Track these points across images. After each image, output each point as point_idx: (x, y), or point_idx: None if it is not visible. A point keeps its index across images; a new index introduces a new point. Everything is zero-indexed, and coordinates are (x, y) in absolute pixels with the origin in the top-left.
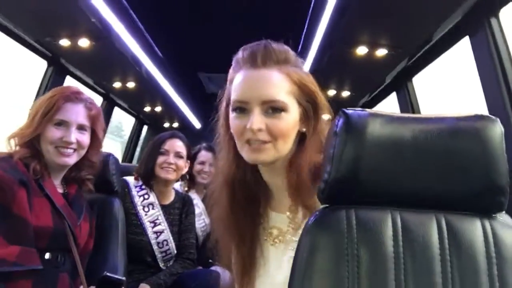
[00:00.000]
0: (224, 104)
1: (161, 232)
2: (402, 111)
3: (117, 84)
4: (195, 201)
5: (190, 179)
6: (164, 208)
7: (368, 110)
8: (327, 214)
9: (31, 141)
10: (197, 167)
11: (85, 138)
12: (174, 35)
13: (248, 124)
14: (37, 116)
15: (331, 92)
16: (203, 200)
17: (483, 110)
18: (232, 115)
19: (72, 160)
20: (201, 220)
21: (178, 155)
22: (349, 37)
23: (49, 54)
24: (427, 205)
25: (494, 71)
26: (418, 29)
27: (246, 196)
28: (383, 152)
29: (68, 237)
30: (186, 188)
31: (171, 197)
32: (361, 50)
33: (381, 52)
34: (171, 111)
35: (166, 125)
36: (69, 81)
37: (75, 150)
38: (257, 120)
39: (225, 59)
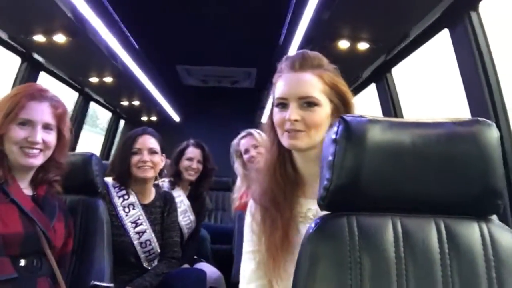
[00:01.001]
0: (270, 108)
1: (143, 232)
2: (381, 102)
3: (93, 79)
4: (180, 198)
5: (176, 175)
6: (145, 207)
7: (367, 116)
8: (328, 222)
9: None
10: (185, 163)
11: (51, 138)
12: (151, 27)
13: (287, 115)
14: None
15: None
16: (189, 197)
17: (462, 100)
18: (275, 110)
19: (38, 161)
20: (187, 217)
21: (152, 151)
22: (332, 31)
23: (22, 49)
24: (426, 210)
25: (473, 64)
26: (399, 23)
27: (285, 180)
28: (383, 158)
29: (41, 240)
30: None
31: (152, 195)
32: (343, 44)
33: (363, 46)
34: (149, 104)
35: (144, 118)
36: (43, 77)
37: (41, 150)
38: (294, 112)
39: (204, 51)
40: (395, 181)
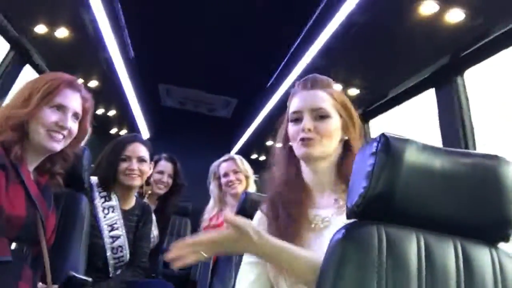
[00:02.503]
0: (284, 125)
1: (118, 237)
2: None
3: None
4: None
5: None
6: (124, 213)
7: (404, 136)
8: (358, 229)
9: (21, 123)
10: (156, 176)
11: (76, 128)
12: (149, 40)
13: (301, 126)
14: (34, 97)
15: None
16: (155, 211)
17: None
18: (290, 125)
19: (60, 146)
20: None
21: (141, 159)
22: (327, 76)
23: (16, 36)
24: (447, 230)
25: (455, 123)
26: (390, 76)
27: (292, 193)
28: (416, 176)
29: (38, 228)
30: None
31: (132, 202)
32: (336, 87)
33: (353, 91)
34: (125, 117)
35: (113, 131)
36: (27, 70)
37: (64, 137)
38: (308, 122)
39: (189, 73)
40: (423, 198)
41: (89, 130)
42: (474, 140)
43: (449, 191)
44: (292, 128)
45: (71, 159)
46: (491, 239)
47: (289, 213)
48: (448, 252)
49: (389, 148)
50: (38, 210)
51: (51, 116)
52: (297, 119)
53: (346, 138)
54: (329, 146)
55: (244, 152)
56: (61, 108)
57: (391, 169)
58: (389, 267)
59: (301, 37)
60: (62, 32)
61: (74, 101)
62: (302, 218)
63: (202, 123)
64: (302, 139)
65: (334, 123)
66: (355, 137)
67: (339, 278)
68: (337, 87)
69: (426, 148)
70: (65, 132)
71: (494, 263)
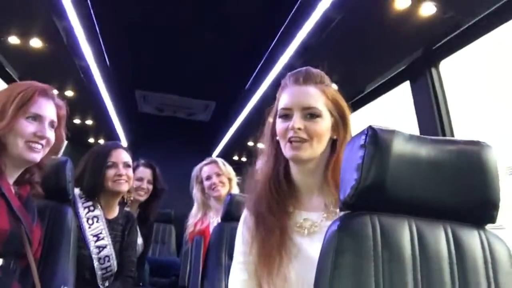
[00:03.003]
0: (270, 120)
1: (104, 247)
2: None
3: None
4: None
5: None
6: (108, 222)
7: (391, 127)
8: (352, 219)
9: None
10: (135, 183)
11: (53, 136)
12: (124, 47)
13: (290, 124)
14: (9, 109)
15: None
16: (137, 218)
17: None
18: (278, 120)
19: (39, 156)
20: None
21: (126, 164)
22: None
23: None
24: (436, 215)
25: (431, 115)
26: (366, 71)
27: (279, 191)
28: (404, 166)
29: (23, 241)
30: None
31: (116, 211)
32: (329, 82)
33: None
34: (102, 125)
35: (91, 140)
36: None
37: (42, 146)
38: (297, 121)
39: (165, 78)
40: (412, 187)
41: (65, 138)
42: (452, 130)
43: (436, 178)
44: (281, 125)
45: (46, 167)
46: (479, 222)
47: (275, 214)
48: (440, 237)
49: (377, 139)
50: (22, 223)
51: (29, 127)
52: (287, 115)
53: (335, 137)
54: (318, 148)
55: (226, 154)
56: (37, 117)
57: (380, 160)
58: (384, 254)
59: (277, 37)
60: (35, 43)
61: (49, 109)
62: (289, 220)
63: (181, 128)
64: (291, 140)
65: (325, 124)
66: (345, 138)
67: (336, 268)
68: (329, 82)
69: (412, 138)
70: (43, 142)
71: (483, 245)
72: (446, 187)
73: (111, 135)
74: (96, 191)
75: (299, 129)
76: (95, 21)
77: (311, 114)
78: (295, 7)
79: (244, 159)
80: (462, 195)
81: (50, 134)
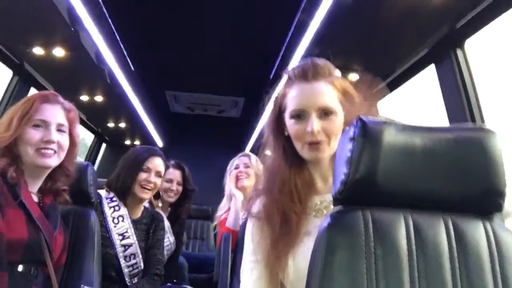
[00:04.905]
0: (272, 115)
1: (130, 245)
2: None
3: (84, 97)
4: None
5: (155, 196)
6: (133, 222)
7: (382, 118)
8: (344, 215)
9: (9, 147)
10: (164, 185)
11: (65, 140)
12: (147, 50)
13: (308, 127)
14: (14, 120)
15: None
16: (168, 218)
17: None
18: (290, 121)
19: (53, 162)
20: (166, 239)
21: (158, 174)
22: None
23: (16, 62)
24: (435, 207)
25: (458, 98)
26: (388, 57)
27: (292, 185)
28: (396, 157)
29: (43, 249)
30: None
31: (140, 212)
32: (335, 71)
33: (353, 76)
34: (135, 128)
35: (127, 142)
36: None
37: (55, 152)
38: (316, 123)
39: (193, 78)
40: (407, 179)
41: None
42: (481, 114)
43: (433, 168)
44: (295, 126)
45: (72, 174)
46: (484, 212)
47: (293, 199)
48: (439, 230)
49: (366, 132)
50: (42, 232)
51: (35, 134)
52: (299, 116)
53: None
54: (335, 144)
55: (258, 150)
56: (42, 124)
57: (370, 153)
58: (378, 250)
59: (294, 25)
60: (59, 52)
61: (54, 113)
62: (304, 205)
63: (213, 125)
64: (309, 143)
65: (339, 120)
66: None
67: (327, 265)
68: (336, 72)
69: (405, 128)
70: (53, 146)
71: (489, 236)
72: (445, 177)
73: (146, 137)
74: (125, 191)
75: (318, 131)
76: (112, 26)
77: (326, 113)
78: None
79: None
80: (463, 185)
81: (60, 138)
